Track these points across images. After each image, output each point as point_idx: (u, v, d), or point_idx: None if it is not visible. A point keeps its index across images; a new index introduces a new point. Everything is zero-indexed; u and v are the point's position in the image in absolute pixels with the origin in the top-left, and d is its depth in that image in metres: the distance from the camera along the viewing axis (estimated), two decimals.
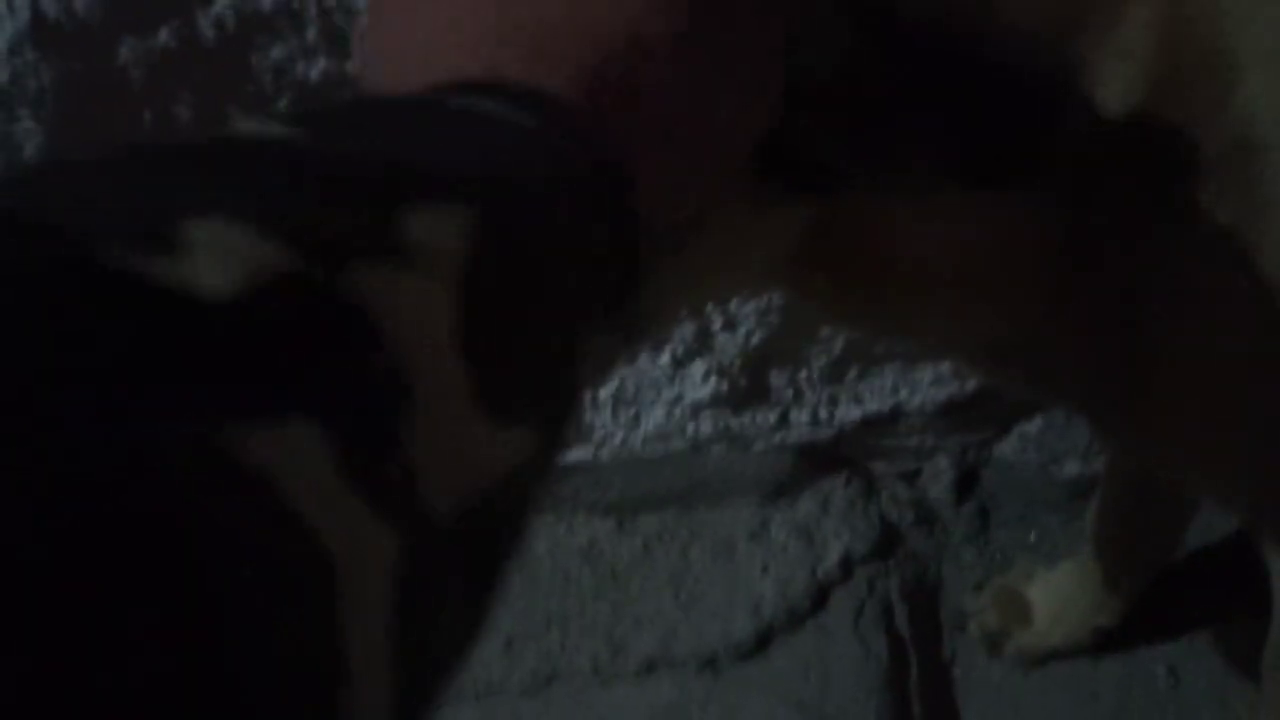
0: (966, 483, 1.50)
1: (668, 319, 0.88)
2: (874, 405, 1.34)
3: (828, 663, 1.42)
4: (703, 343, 1.24)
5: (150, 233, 0.26)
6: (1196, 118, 0.63)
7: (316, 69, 0.87)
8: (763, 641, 1.43)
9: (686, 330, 1.22)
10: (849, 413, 1.34)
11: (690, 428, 1.35)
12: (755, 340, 1.24)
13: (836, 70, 0.51)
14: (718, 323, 1.22)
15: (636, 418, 1.34)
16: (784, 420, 1.35)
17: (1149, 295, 0.69)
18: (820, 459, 1.44)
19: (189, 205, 0.27)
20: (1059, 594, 1.38)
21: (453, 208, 0.32)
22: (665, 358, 1.26)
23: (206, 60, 0.85)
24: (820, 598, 1.45)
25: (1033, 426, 1.41)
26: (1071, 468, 1.42)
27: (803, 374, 1.30)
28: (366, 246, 0.29)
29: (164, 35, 0.83)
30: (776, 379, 1.30)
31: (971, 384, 1.33)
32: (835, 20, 0.50)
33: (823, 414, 1.35)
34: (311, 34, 0.84)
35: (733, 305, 1.20)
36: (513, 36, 0.44)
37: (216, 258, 0.26)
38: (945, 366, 1.31)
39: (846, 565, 1.46)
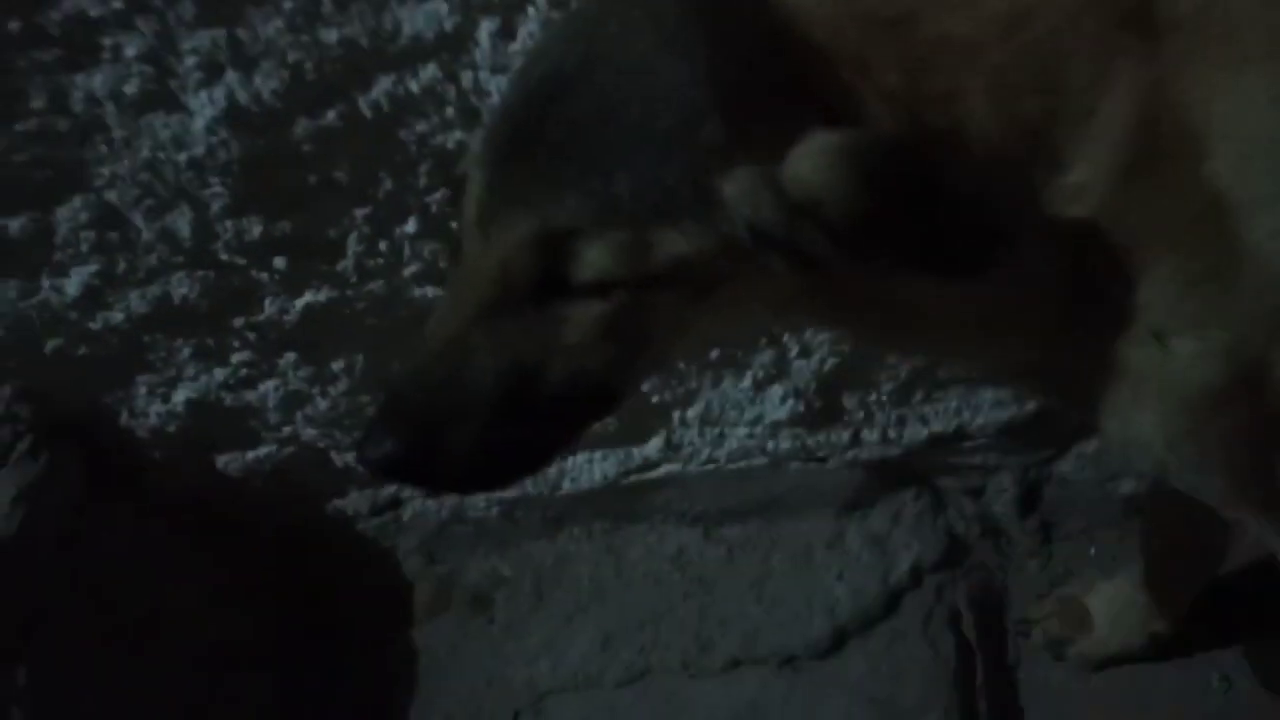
0: (1029, 499, 1.60)
1: (716, 336, 1.08)
2: (939, 425, 1.46)
3: (899, 663, 1.54)
4: (781, 368, 1.38)
5: None
6: (1170, 185, 0.78)
7: (453, 139, 1.04)
8: (838, 642, 1.56)
9: (765, 356, 1.36)
10: (916, 432, 1.47)
11: (770, 445, 1.49)
12: (829, 366, 1.37)
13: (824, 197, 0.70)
14: (794, 350, 1.36)
15: (721, 436, 1.49)
16: (856, 439, 1.49)
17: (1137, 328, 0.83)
18: (891, 474, 1.57)
19: None
20: (1116, 602, 1.47)
21: None
22: (747, 381, 1.40)
23: (363, 134, 1.03)
24: (892, 603, 1.57)
25: (1090, 447, 1.52)
26: (1126, 486, 1.52)
27: (872, 397, 1.43)
28: None
29: (331, 116, 1.01)
30: (849, 401, 1.44)
31: (1030, 406, 1.45)
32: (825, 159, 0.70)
33: (892, 433, 1.47)
34: (450, 111, 1.01)
35: (808, 334, 1.34)
36: None
37: None
38: (1002, 392, 1.43)
39: (917, 574, 1.58)
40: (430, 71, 0.98)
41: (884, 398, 1.43)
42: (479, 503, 1.63)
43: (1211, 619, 1.45)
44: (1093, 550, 1.61)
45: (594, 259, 0.73)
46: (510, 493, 1.60)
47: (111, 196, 1.08)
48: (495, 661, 1.64)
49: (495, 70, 0.97)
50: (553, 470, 1.57)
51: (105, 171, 1.06)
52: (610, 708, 1.58)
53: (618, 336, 0.77)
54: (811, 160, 0.71)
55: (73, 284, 1.18)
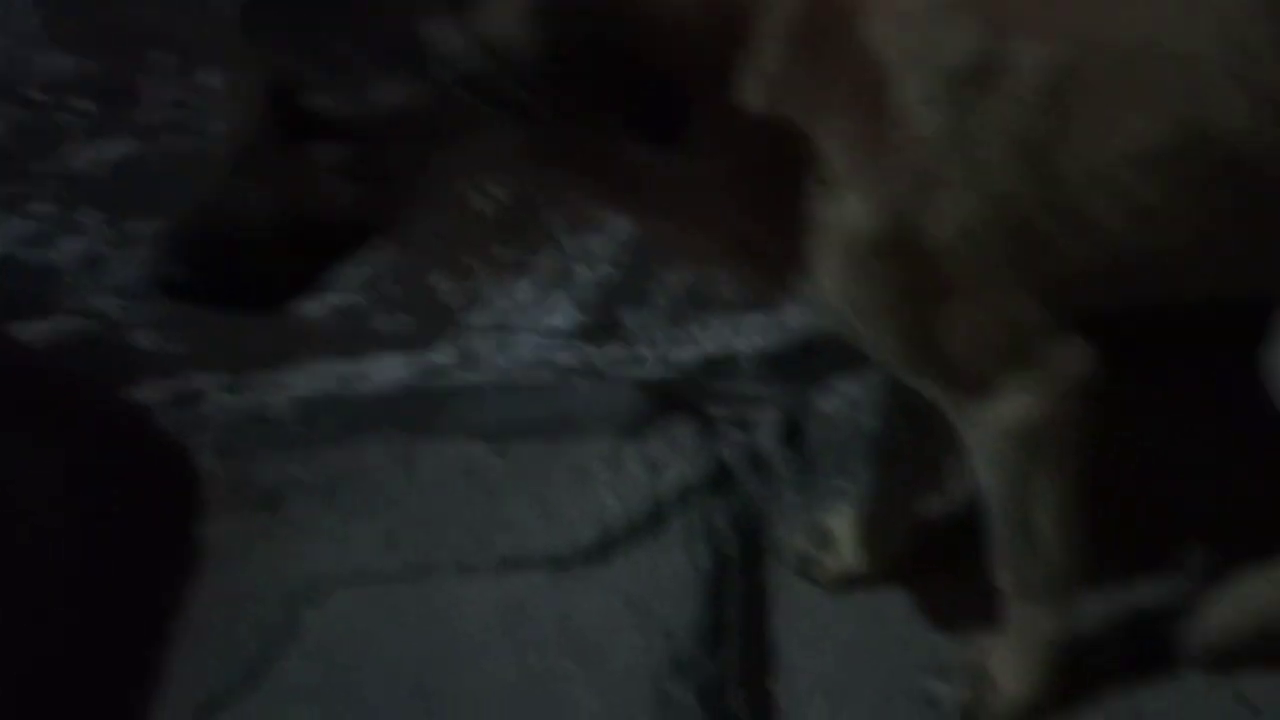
0: (792, 434, 1.75)
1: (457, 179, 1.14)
2: (711, 347, 1.60)
3: (660, 571, 1.65)
4: (565, 276, 1.50)
5: None
6: (836, 53, 0.94)
7: None
8: (605, 550, 1.66)
9: (550, 261, 1.48)
10: (689, 353, 1.60)
11: (556, 358, 1.61)
12: (610, 276, 1.50)
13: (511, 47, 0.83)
14: (577, 259, 1.48)
15: (510, 343, 1.60)
16: (635, 358, 1.61)
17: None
18: (668, 401, 1.70)
19: None
20: (856, 525, 1.61)
21: None
22: (532, 286, 1.52)
23: None
24: (659, 518, 1.69)
25: (850, 386, 1.67)
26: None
27: (649, 314, 1.56)
28: None
29: None
30: (628, 318, 1.56)
31: (794, 337, 1.60)
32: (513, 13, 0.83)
33: (667, 353, 1.60)
34: None
35: (590, 244, 1.47)
36: None
37: None
38: (771, 318, 1.58)
39: (684, 494, 1.70)
40: None
41: (660, 316, 1.56)
42: (279, 402, 1.70)
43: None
44: (849, 487, 1.76)
45: (321, 107, 0.86)
46: (308, 392, 1.68)
47: None
48: (281, 557, 1.70)
49: None
50: (350, 370, 1.66)
51: None
52: (387, 601, 1.65)
53: (359, 177, 0.90)
54: (500, 12, 0.84)
55: None
